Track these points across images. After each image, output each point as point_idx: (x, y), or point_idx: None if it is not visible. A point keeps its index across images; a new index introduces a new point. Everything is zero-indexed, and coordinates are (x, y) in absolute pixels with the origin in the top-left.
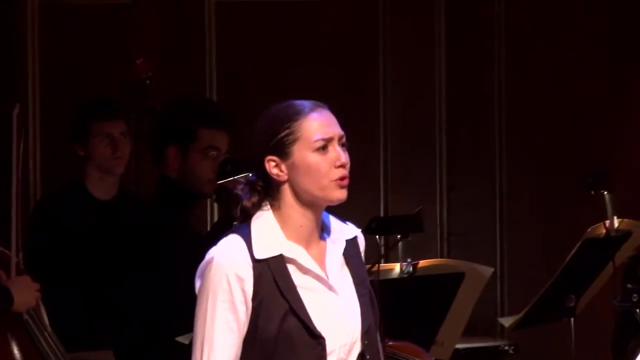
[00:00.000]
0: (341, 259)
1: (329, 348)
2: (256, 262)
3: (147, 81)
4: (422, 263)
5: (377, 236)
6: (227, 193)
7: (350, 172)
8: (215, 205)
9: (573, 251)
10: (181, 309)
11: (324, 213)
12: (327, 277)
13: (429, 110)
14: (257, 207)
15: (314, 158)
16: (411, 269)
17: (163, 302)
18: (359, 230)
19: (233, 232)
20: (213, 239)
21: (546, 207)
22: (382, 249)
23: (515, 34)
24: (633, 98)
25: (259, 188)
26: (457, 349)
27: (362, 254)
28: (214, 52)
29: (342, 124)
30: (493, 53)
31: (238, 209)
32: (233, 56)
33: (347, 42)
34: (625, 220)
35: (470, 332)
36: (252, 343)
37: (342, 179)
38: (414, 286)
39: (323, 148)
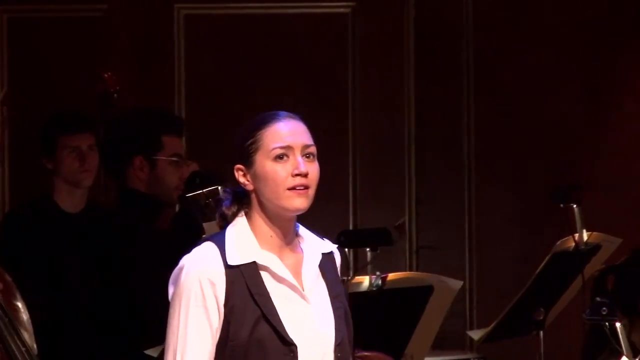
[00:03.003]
0: (317, 271)
1: (300, 356)
2: (229, 269)
3: (115, 94)
4: (391, 276)
5: (346, 249)
6: (195, 205)
7: (320, 184)
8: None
9: (542, 264)
10: (151, 320)
11: (300, 226)
12: (302, 287)
13: (398, 123)
14: (235, 215)
15: (270, 166)
16: (380, 282)
17: (134, 313)
18: (336, 246)
19: (207, 239)
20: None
21: (515, 221)
22: (351, 262)
23: (485, 47)
24: (603, 113)
25: (238, 197)
26: None
27: (338, 270)
28: (182, 64)
29: (313, 134)
30: (462, 67)
31: (217, 214)
32: (201, 69)
33: (316, 55)
34: (595, 233)
35: (439, 345)
36: (224, 350)
37: (297, 187)
38: (382, 299)
39: (281, 157)
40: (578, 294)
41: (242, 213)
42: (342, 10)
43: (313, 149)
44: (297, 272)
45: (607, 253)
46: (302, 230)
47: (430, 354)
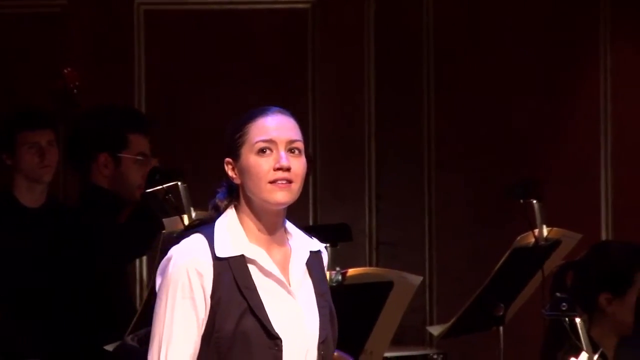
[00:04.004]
0: (304, 269)
1: (285, 350)
2: (217, 260)
3: (75, 90)
4: (351, 272)
5: None
6: (155, 200)
7: None
8: None
9: (502, 260)
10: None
11: (288, 223)
12: (289, 283)
13: (358, 120)
14: (226, 208)
15: (254, 160)
16: (340, 277)
17: (94, 307)
18: (324, 245)
19: (196, 231)
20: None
21: (475, 216)
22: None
23: (445, 45)
24: (562, 111)
25: (231, 190)
26: (385, 358)
27: (325, 269)
28: (142, 60)
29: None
30: (423, 64)
31: (210, 206)
32: (161, 65)
33: (276, 52)
34: (555, 229)
35: (399, 340)
36: (209, 341)
37: (279, 181)
38: (342, 295)
39: (263, 150)
40: (538, 290)
41: (232, 206)
42: (301, 6)
43: (299, 145)
44: (284, 267)
45: (566, 249)
46: (291, 227)
47: (390, 350)
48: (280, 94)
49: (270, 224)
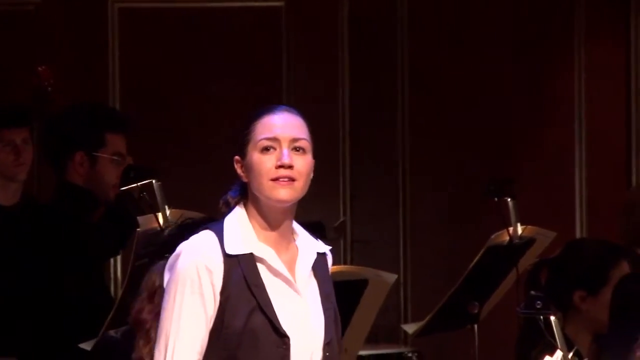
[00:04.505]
0: (310, 270)
1: (292, 349)
2: (227, 257)
3: (49, 88)
4: None
5: None
6: (130, 198)
7: None
8: None
9: (476, 258)
10: (83, 312)
11: (297, 224)
12: (296, 282)
13: (332, 119)
14: (236, 205)
15: (257, 157)
16: None
17: (70, 305)
18: (329, 247)
19: (206, 227)
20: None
21: (450, 215)
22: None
23: (420, 43)
24: (537, 107)
25: (243, 187)
26: (360, 356)
27: (330, 272)
28: (116, 59)
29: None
30: (397, 62)
31: (222, 202)
32: (136, 63)
33: (250, 49)
34: (529, 227)
35: (373, 338)
36: (217, 338)
37: (280, 179)
38: None
39: (267, 148)
40: (512, 288)
41: (242, 204)
42: (276, 4)
43: (303, 143)
44: (290, 267)
45: (541, 246)
46: (298, 227)
47: (364, 348)
48: (254, 93)
49: (277, 222)
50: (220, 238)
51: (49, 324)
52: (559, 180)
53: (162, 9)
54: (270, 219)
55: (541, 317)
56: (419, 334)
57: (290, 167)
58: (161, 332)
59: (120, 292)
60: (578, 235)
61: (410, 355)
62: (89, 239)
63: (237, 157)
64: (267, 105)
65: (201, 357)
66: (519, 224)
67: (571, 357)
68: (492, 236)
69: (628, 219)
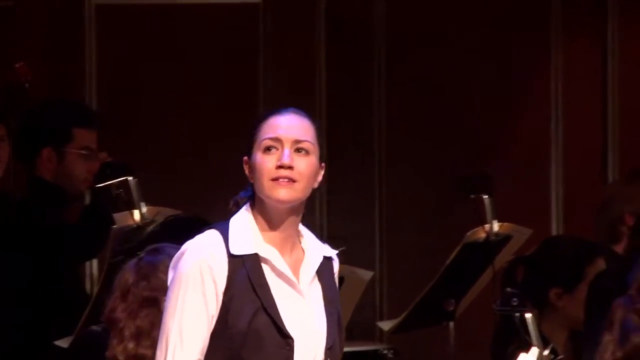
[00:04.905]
0: (314, 274)
1: (296, 350)
2: (231, 257)
3: (26, 85)
4: None
5: None
6: (106, 195)
7: (230, 175)
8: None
9: (453, 255)
10: (59, 310)
11: (304, 227)
12: (299, 284)
13: (309, 110)
14: (243, 204)
15: (260, 158)
16: None
17: (40, 302)
18: (336, 252)
19: (211, 227)
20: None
21: (426, 211)
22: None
23: (397, 38)
24: (515, 105)
25: (254, 188)
26: None
27: (335, 277)
28: (93, 55)
29: (223, 129)
30: (374, 57)
31: (232, 201)
32: (113, 60)
33: (228, 46)
34: (505, 224)
35: (349, 336)
36: (220, 338)
37: (280, 179)
38: None
39: (269, 149)
40: (488, 285)
41: (249, 205)
42: (253, 0)
43: (307, 145)
44: (295, 269)
45: (517, 244)
46: (305, 230)
47: None
48: (232, 89)
49: (282, 224)
50: (226, 238)
51: (25, 322)
52: (536, 177)
53: (139, 6)
54: (275, 220)
55: (517, 314)
56: (394, 331)
57: (290, 167)
58: (163, 330)
59: (96, 290)
60: (554, 232)
61: (386, 352)
62: (66, 242)
63: (245, 158)
64: (277, 108)
65: (202, 357)
66: (495, 221)
67: (547, 354)
68: (469, 233)
69: (603, 216)
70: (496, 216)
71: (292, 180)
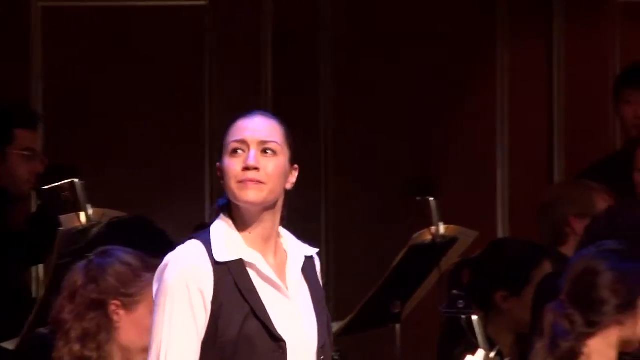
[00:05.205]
0: (300, 274)
1: (289, 354)
2: (216, 265)
3: None
4: None
5: None
6: (51, 197)
7: (177, 180)
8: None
9: (399, 257)
10: (5, 312)
11: (282, 229)
12: (286, 287)
13: None
14: (223, 211)
15: (227, 161)
16: None
17: None
18: (316, 250)
19: (192, 237)
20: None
21: (372, 213)
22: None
23: (343, 41)
24: (460, 106)
25: None
26: None
27: (319, 275)
28: (39, 57)
29: (170, 131)
30: (320, 60)
31: (212, 209)
32: (58, 62)
33: (173, 49)
34: (451, 226)
35: None
36: (212, 347)
37: (245, 181)
38: None
39: (235, 151)
40: (435, 287)
41: (228, 211)
42: (199, 3)
43: (273, 145)
44: (281, 272)
45: (463, 246)
46: (285, 232)
47: None
48: (179, 92)
49: (260, 226)
50: (208, 246)
51: None
52: (482, 179)
53: (85, 8)
54: (253, 222)
55: (463, 316)
56: (341, 333)
57: (256, 168)
58: (152, 345)
59: (42, 292)
60: (500, 234)
61: (333, 354)
62: (14, 250)
63: (217, 164)
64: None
65: None
66: (441, 224)
67: (493, 356)
68: (415, 235)
69: (547, 218)
70: (442, 218)
71: (259, 182)
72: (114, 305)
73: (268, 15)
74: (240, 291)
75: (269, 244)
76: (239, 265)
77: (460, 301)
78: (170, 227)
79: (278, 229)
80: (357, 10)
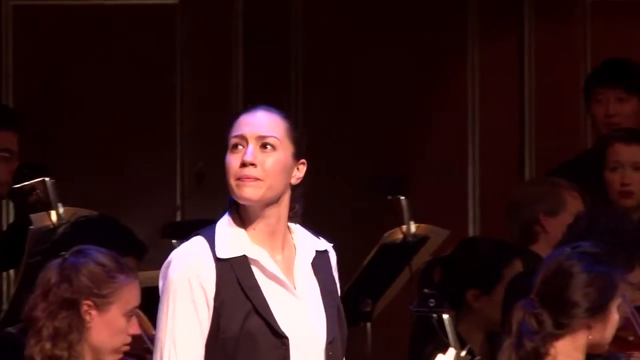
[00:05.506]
0: (309, 269)
1: (292, 349)
2: (218, 262)
3: None
4: None
5: (173, 241)
6: (23, 196)
7: (146, 179)
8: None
9: (370, 256)
10: None
11: (296, 225)
12: (294, 283)
13: (225, 113)
14: (233, 206)
15: (228, 157)
16: None
17: None
18: (331, 245)
19: (197, 233)
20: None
21: (343, 212)
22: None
23: (314, 37)
24: (431, 106)
25: None
26: None
27: (334, 269)
28: (10, 57)
29: (141, 130)
30: (291, 60)
31: (225, 205)
32: (30, 61)
33: (144, 48)
34: (422, 225)
35: None
36: (214, 343)
37: (241, 177)
38: None
39: (235, 147)
40: (406, 286)
41: (234, 207)
42: (170, 1)
43: (272, 140)
44: (289, 268)
45: (434, 244)
46: (296, 227)
47: None
48: (149, 91)
49: (264, 221)
50: (212, 243)
51: None
52: (453, 178)
53: (56, 7)
54: (256, 218)
55: (434, 315)
56: None
57: (252, 164)
58: (157, 342)
59: (13, 290)
60: (471, 233)
61: None
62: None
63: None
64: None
65: None
66: (412, 222)
67: (464, 355)
68: (386, 234)
69: (515, 217)
70: (413, 217)
71: (256, 179)
72: (86, 305)
73: (239, 14)
74: (242, 288)
75: (275, 239)
76: (243, 262)
77: (431, 300)
78: (141, 226)
79: (285, 224)
80: (328, 9)
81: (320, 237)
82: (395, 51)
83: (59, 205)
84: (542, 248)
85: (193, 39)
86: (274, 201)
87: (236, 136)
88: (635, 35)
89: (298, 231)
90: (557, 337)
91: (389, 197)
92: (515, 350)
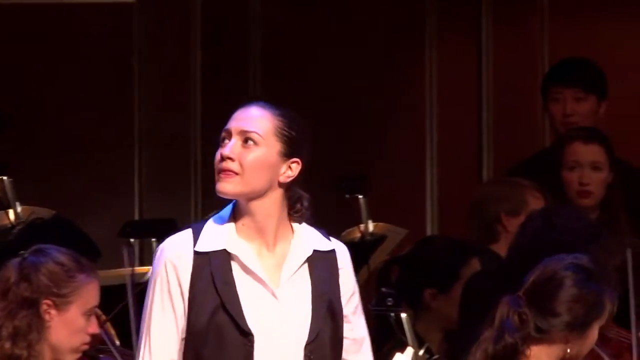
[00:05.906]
0: (303, 268)
1: (258, 347)
2: (197, 255)
3: None
4: None
5: (132, 239)
6: None
7: (103, 176)
8: None
9: None
10: None
11: (301, 225)
12: (278, 282)
13: (184, 115)
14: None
15: (217, 152)
16: None
17: None
18: (341, 246)
19: (189, 225)
20: None
21: None
22: (137, 252)
23: (274, 37)
24: (389, 104)
25: None
26: None
27: (345, 269)
28: None
29: (99, 129)
30: (250, 57)
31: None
32: None
33: (101, 47)
34: (380, 224)
35: None
36: (187, 336)
37: (220, 171)
38: None
39: (222, 140)
40: (364, 285)
41: (232, 202)
42: (127, 0)
43: (253, 135)
44: (278, 266)
45: (392, 243)
46: (300, 227)
47: None
48: (106, 90)
49: (251, 216)
50: (197, 235)
51: None
52: (411, 177)
53: (11, 5)
54: (244, 214)
55: (392, 314)
56: None
57: (230, 158)
58: (141, 329)
59: None
60: (429, 232)
61: None
62: None
63: None
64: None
65: (177, 356)
66: (370, 221)
67: (422, 353)
68: (344, 233)
69: (477, 217)
70: (371, 216)
71: (233, 173)
72: (45, 304)
73: (197, 13)
74: (214, 282)
75: (264, 236)
76: (221, 256)
77: (389, 299)
78: (100, 225)
79: (276, 222)
80: (286, 8)
81: (330, 238)
82: (353, 51)
83: (17, 204)
84: (502, 247)
85: (151, 38)
86: (258, 197)
87: (224, 130)
88: (592, 34)
89: (301, 231)
90: (535, 341)
91: (347, 196)
92: (494, 343)
